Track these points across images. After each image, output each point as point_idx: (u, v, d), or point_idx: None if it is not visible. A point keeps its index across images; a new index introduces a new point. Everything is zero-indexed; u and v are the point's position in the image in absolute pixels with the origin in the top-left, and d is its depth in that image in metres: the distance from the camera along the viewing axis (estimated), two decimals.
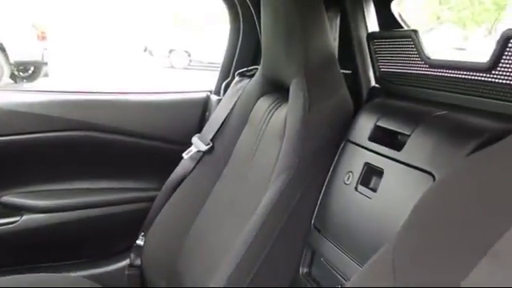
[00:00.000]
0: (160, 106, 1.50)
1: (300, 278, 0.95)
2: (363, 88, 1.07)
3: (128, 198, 1.45)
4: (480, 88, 0.77)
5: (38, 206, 1.39)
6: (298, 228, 0.95)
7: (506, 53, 0.71)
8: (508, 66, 0.72)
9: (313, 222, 0.95)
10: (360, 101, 1.06)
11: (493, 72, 0.74)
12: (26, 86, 6.92)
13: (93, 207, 1.43)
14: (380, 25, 1.10)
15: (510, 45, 0.70)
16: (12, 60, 7.12)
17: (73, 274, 1.41)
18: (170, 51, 11.49)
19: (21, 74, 7.71)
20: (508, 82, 0.73)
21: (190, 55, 11.39)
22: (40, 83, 7.61)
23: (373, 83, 1.06)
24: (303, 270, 0.95)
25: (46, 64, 7.73)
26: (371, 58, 1.04)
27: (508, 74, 0.72)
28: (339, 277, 0.85)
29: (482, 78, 0.77)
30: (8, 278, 1.18)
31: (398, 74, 0.96)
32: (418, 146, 0.75)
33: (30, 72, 7.76)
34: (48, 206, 1.39)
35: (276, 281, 0.96)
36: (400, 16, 1.12)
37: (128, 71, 9.35)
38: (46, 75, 8.01)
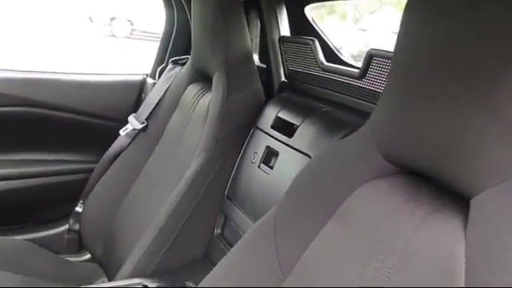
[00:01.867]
0: (100, 86, 1.63)
1: (215, 238, 1.16)
2: (275, 82, 1.27)
3: (68, 169, 1.59)
4: (354, 91, 1.00)
5: None
6: (214, 198, 1.15)
7: (371, 67, 0.94)
8: (372, 76, 0.94)
9: (226, 192, 1.16)
10: (272, 93, 1.26)
11: (363, 80, 0.97)
12: None
13: (36, 177, 1.55)
14: (294, 27, 1.31)
15: (373, 61, 0.93)
16: None
17: (16, 238, 1.54)
18: (112, 19, 11.15)
19: None
20: (372, 88, 0.95)
21: (132, 24, 11.11)
22: None
23: (283, 79, 1.27)
24: (217, 231, 1.16)
25: None
26: (282, 57, 1.24)
27: (372, 82, 0.95)
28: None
29: (356, 84, 0.99)
30: None
31: (300, 73, 1.17)
32: (304, 134, 0.97)
33: None
34: None
35: (195, 241, 1.16)
36: (313, 20, 1.32)
37: (65, 39, 9.04)
38: None
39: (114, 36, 11.02)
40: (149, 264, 1.10)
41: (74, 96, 1.57)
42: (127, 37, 10.74)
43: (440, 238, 0.53)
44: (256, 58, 1.38)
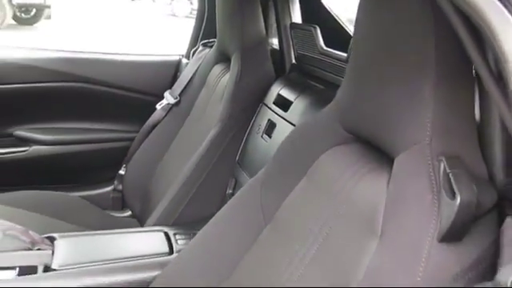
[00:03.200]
0: (142, 65, 1.86)
1: (226, 197, 1.35)
2: (286, 64, 1.43)
3: (114, 138, 1.84)
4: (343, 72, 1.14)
5: (42, 139, 1.78)
6: (226, 163, 1.34)
7: None
8: None
9: (237, 159, 1.34)
10: (283, 73, 1.42)
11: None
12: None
13: (86, 143, 1.82)
14: (309, 14, 1.45)
15: None
16: (14, 1, 7.29)
17: (72, 194, 1.79)
18: None
19: (23, 15, 7.92)
20: None
21: (192, 3, 11.43)
22: (42, 25, 7.81)
23: (293, 61, 1.42)
24: (229, 192, 1.35)
25: (48, 7, 7.91)
26: (292, 42, 1.39)
27: None
28: None
29: (345, 66, 1.13)
30: (21, 192, 1.58)
31: (306, 56, 1.32)
32: (296, 109, 1.13)
33: (32, 14, 7.96)
34: (50, 140, 1.78)
35: (210, 199, 1.36)
36: (328, 7, 1.46)
37: (127, 18, 9.48)
38: (48, 17, 8.21)
39: (174, 15, 11.42)
40: (170, 216, 1.31)
41: (119, 74, 1.80)
42: (187, 16, 11.10)
43: (371, 190, 0.67)
44: (275, 41, 1.54)
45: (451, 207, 0.51)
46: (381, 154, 0.70)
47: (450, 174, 0.54)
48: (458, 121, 0.58)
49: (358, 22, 0.70)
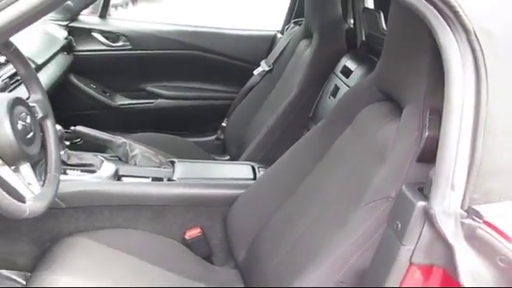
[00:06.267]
0: (244, 38, 2.31)
1: None
2: (358, 41, 1.75)
3: (219, 96, 2.33)
4: None
5: (166, 94, 2.31)
6: (302, 118, 1.72)
7: None
8: None
9: (311, 115, 1.71)
10: (355, 48, 1.75)
11: None
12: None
13: (198, 99, 2.33)
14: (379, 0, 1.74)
15: None
16: None
17: (186, 139, 2.24)
18: None
19: None
20: None
21: None
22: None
23: (363, 39, 1.74)
24: None
25: None
26: (363, 23, 1.70)
27: None
28: None
29: None
30: (148, 133, 2.08)
31: (372, 35, 1.63)
32: (354, 76, 1.47)
33: None
34: (171, 95, 2.32)
35: (288, 145, 1.74)
36: None
37: None
38: None
39: None
40: (257, 155, 1.73)
41: (227, 44, 2.26)
42: None
43: (387, 132, 0.96)
44: (352, 21, 1.86)
45: (425, 139, 0.81)
46: (397, 107, 1.01)
47: (428, 119, 0.84)
48: (441, 87, 0.87)
49: (390, 16, 0.98)
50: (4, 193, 0.85)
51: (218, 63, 2.28)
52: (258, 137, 1.76)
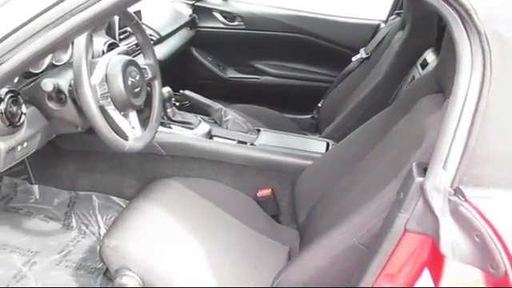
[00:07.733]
0: (349, 25, 2.43)
1: None
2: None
3: (318, 78, 2.51)
4: None
5: (271, 72, 2.55)
6: (383, 102, 1.76)
7: None
8: None
9: (390, 102, 1.80)
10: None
11: None
12: None
13: (299, 80, 2.54)
14: None
15: None
16: None
17: (284, 115, 2.42)
18: None
19: None
20: None
21: None
22: None
23: None
24: None
25: None
26: None
27: None
28: None
29: None
30: (250, 105, 2.31)
31: None
32: (428, 69, 1.53)
33: None
34: (276, 73, 2.55)
35: None
36: None
37: None
38: None
39: None
40: (335, 133, 1.88)
41: (331, 30, 2.42)
42: None
43: (433, 117, 1.08)
44: None
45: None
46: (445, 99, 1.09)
47: None
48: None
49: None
50: (112, 130, 1.14)
51: (321, 47, 2.44)
52: (339, 117, 1.90)
